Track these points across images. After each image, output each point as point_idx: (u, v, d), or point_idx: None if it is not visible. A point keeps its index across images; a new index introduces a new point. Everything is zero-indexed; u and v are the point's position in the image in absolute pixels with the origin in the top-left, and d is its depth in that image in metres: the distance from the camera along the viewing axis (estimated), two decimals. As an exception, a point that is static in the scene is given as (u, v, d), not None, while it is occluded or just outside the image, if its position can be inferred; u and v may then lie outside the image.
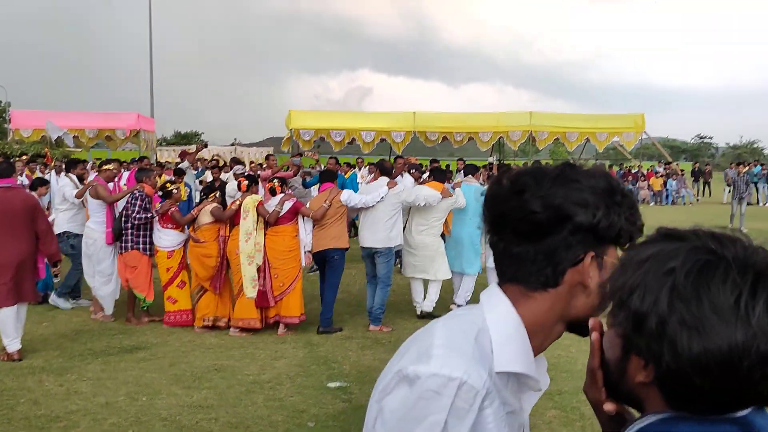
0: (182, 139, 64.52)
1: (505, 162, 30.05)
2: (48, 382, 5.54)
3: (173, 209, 7.40)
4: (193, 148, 15.05)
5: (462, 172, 8.73)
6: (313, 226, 7.21)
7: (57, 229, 7.69)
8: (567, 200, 1.08)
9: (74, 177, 8.34)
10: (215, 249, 7.25)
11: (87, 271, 7.84)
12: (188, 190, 11.38)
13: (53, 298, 8.07)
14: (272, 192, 7.19)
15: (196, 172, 13.22)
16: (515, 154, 33.41)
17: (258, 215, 7.09)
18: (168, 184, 7.65)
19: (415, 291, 7.86)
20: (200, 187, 10.99)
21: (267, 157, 13.12)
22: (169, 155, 33.41)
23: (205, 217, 7.30)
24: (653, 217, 19.11)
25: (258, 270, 7.03)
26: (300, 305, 7.14)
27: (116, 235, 7.51)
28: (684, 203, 25.08)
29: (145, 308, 7.53)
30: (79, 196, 7.95)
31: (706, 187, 28.13)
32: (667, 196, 25.69)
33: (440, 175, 8.15)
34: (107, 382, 5.55)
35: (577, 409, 4.96)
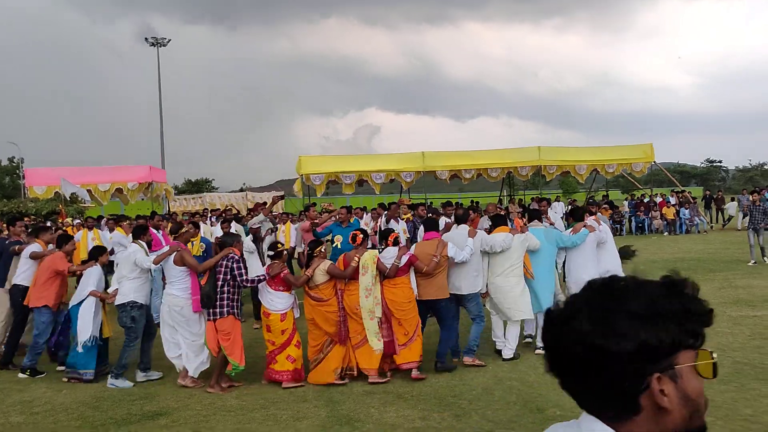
0: (193, 186, 65.16)
1: (515, 196, 30.18)
2: (71, 455, 5.50)
3: (285, 272, 7.41)
4: (266, 198, 15.01)
5: (526, 217, 9.14)
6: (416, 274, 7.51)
7: (122, 299, 7.54)
8: (605, 337, 1.08)
9: (143, 243, 8.04)
10: (336, 303, 7.34)
11: (167, 339, 7.58)
12: (204, 246, 11.38)
13: (111, 382, 7.51)
14: (395, 242, 7.47)
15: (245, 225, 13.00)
16: (525, 187, 33.48)
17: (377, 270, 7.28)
18: (279, 245, 7.73)
19: (497, 326, 8.21)
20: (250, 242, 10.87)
21: (307, 209, 12.97)
22: (179, 205, 33.64)
23: (320, 276, 7.32)
24: (669, 248, 19.00)
25: (379, 323, 7.21)
26: (420, 350, 7.32)
27: (209, 302, 7.22)
28: (698, 231, 24.89)
29: (232, 374, 7.37)
30: (157, 262, 7.62)
31: (720, 213, 27.94)
32: (680, 225, 25.52)
33: (501, 220, 8.40)
34: (130, 452, 5.51)
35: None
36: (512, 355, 7.92)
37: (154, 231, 10.81)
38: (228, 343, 7.17)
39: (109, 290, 7.96)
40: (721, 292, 11.68)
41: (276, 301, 7.32)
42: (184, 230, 7.91)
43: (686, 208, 25.60)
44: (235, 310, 7.31)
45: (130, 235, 12.19)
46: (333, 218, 11.24)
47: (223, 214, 16.14)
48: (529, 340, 8.53)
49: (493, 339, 8.28)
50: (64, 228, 13.29)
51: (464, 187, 28.89)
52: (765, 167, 76.16)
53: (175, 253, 7.48)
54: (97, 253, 8.17)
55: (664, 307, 1.08)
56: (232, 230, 11.05)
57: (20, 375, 8.07)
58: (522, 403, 6.31)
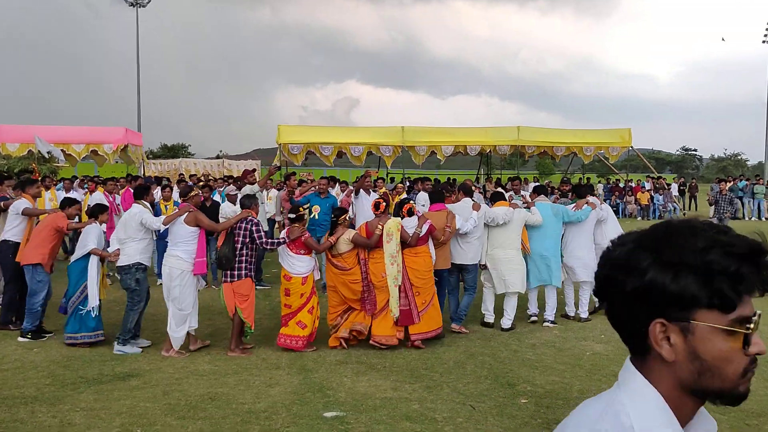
0: (169, 151, 64.39)
1: (491, 174, 30.29)
2: (41, 413, 5.47)
3: (306, 235, 7.41)
4: (253, 165, 14.81)
5: (533, 190, 9.29)
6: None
7: (127, 260, 7.35)
8: (617, 266, 1.11)
9: (147, 203, 7.92)
10: (359, 273, 7.38)
11: (166, 298, 7.42)
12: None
13: (118, 348, 7.29)
14: (410, 213, 7.58)
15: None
16: (502, 166, 33.54)
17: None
18: (301, 208, 7.75)
19: (488, 299, 8.45)
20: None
21: (288, 178, 12.93)
22: (155, 169, 33.25)
23: (344, 245, 7.38)
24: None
25: (399, 290, 7.30)
26: (440, 319, 7.53)
27: (228, 263, 7.20)
28: (671, 217, 25.23)
29: (247, 336, 7.40)
30: (167, 222, 7.36)
31: (693, 201, 28.34)
32: (654, 211, 25.86)
33: (500, 196, 8.59)
34: (101, 412, 5.49)
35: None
36: (510, 326, 8.18)
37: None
38: (245, 305, 7.21)
39: (109, 249, 7.76)
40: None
41: (297, 265, 7.33)
42: (194, 193, 7.85)
43: (660, 194, 25.92)
44: (252, 273, 7.33)
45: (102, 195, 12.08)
46: (313, 188, 11.21)
47: (202, 181, 16.00)
48: (534, 318, 8.64)
49: (483, 311, 8.48)
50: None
51: (442, 165, 28.87)
52: (739, 157, 77.23)
53: (186, 214, 7.35)
54: (98, 211, 7.94)
55: (695, 258, 1.04)
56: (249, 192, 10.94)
57: (20, 339, 7.77)
58: (493, 377, 6.40)
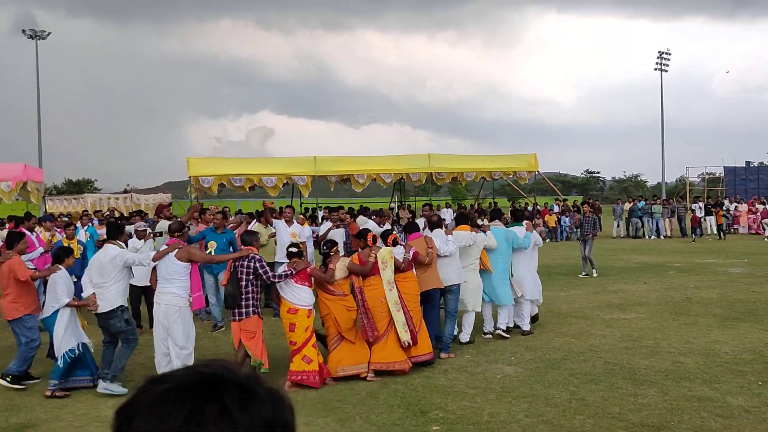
0: (74, 186, 62.04)
1: (406, 202, 30.66)
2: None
3: (312, 267, 7.52)
4: (166, 199, 14.17)
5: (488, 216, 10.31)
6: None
7: (109, 305, 6.97)
8: None
9: (121, 243, 7.55)
10: (353, 300, 7.51)
11: (160, 345, 7.13)
12: (82, 249, 10.86)
13: (103, 386, 6.90)
14: (394, 243, 7.89)
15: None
16: (416, 194, 34.02)
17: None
18: (300, 244, 8.00)
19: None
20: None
21: (203, 211, 12.32)
22: (59, 205, 31.94)
23: (339, 272, 7.51)
24: (550, 255, 19.82)
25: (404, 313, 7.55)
26: (429, 343, 7.82)
27: (234, 302, 7.09)
28: (577, 239, 26.17)
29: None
30: (157, 259, 7.14)
31: (598, 221, 29.51)
32: (561, 232, 26.74)
33: (465, 219, 9.41)
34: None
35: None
36: (468, 339, 8.78)
37: (28, 233, 10.22)
38: (251, 342, 7.10)
39: (84, 294, 7.24)
40: (595, 296, 12.34)
41: (303, 296, 7.29)
42: (186, 229, 7.77)
43: (567, 216, 26.86)
44: (259, 310, 7.25)
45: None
46: (240, 221, 11.15)
47: (107, 216, 15.47)
48: (489, 336, 9.19)
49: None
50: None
51: (357, 194, 29.09)
52: (638, 178, 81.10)
53: (177, 250, 7.13)
54: (63, 255, 7.46)
55: None
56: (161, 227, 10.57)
57: (0, 381, 7.19)
58: (406, 406, 6.41)
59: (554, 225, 26.73)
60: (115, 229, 7.89)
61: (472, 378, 7.33)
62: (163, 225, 9.89)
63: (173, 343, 7.04)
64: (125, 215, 17.80)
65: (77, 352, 7.09)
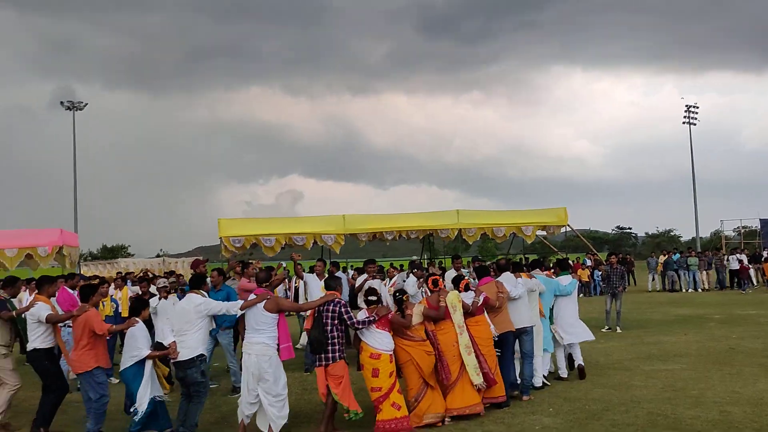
0: (108, 252, 63.08)
1: (434, 259, 30.48)
2: None
3: (393, 312, 7.48)
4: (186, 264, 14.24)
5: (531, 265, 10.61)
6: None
7: (189, 353, 6.95)
8: None
9: (204, 292, 7.71)
10: (431, 345, 7.55)
11: (247, 394, 7.03)
12: (114, 306, 10.94)
13: None
14: (466, 288, 8.09)
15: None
16: (445, 252, 33.80)
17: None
18: (377, 292, 7.80)
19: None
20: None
21: (246, 265, 12.23)
22: (94, 269, 32.38)
23: (416, 318, 7.58)
24: (584, 308, 19.37)
25: (477, 356, 7.65)
26: (503, 386, 7.95)
27: (321, 347, 7.08)
28: (605, 293, 25.74)
29: (353, 418, 7.05)
30: (244, 308, 7.16)
31: (630, 276, 29.01)
32: (595, 287, 26.31)
33: (485, 271, 9.06)
34: None
35: None
36: (541, 384, 8.94)
37: (70, 291, 10.30)
38: (339, 388, 7.04)
39: (165, 342, 7.14)
40: (634, 348, 12.03)
41: (385, 341, 7.27)
42: (274, 279, 7.93)
43: (600, 271, 26.44)
44: (344, 354, 7.24)
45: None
46: (284, 276, 11.20)
47: (140, 277, 15.63)
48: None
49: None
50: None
51: (386, 251, 29.08)
52: (671, 233, 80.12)
53: (265, 301, 7.14)
54: (140, 306, 7.51)
55: None
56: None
57: None
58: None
59: (587, 279, 26.32)
60: (199, 278, 7.93)
61: (510, 430, 7.11)
62: (161, 282, 9.93)
63: (265, 392, 6.95)
64: (156, 276, 17.94)
65: (155, 404, 7.03)
